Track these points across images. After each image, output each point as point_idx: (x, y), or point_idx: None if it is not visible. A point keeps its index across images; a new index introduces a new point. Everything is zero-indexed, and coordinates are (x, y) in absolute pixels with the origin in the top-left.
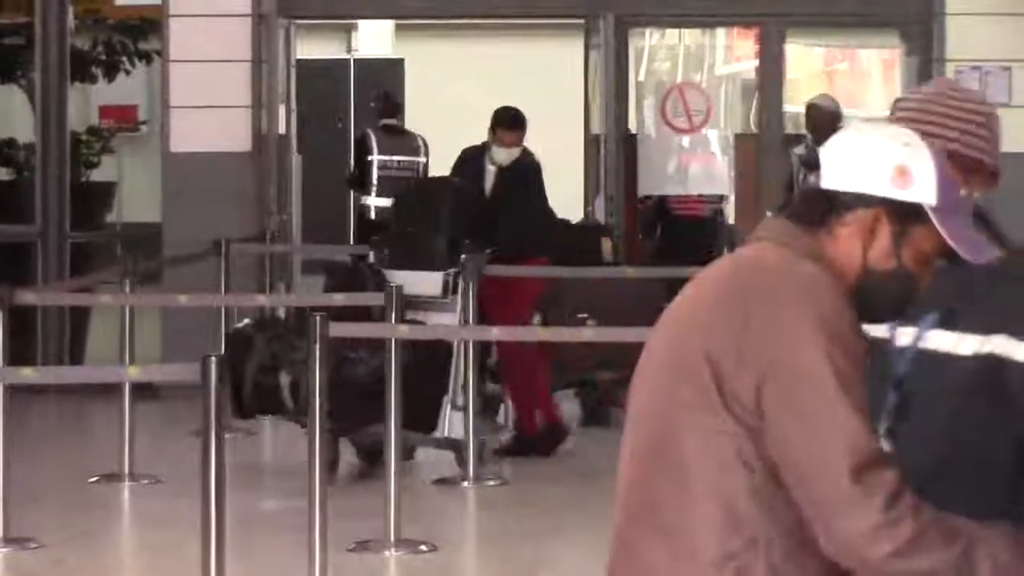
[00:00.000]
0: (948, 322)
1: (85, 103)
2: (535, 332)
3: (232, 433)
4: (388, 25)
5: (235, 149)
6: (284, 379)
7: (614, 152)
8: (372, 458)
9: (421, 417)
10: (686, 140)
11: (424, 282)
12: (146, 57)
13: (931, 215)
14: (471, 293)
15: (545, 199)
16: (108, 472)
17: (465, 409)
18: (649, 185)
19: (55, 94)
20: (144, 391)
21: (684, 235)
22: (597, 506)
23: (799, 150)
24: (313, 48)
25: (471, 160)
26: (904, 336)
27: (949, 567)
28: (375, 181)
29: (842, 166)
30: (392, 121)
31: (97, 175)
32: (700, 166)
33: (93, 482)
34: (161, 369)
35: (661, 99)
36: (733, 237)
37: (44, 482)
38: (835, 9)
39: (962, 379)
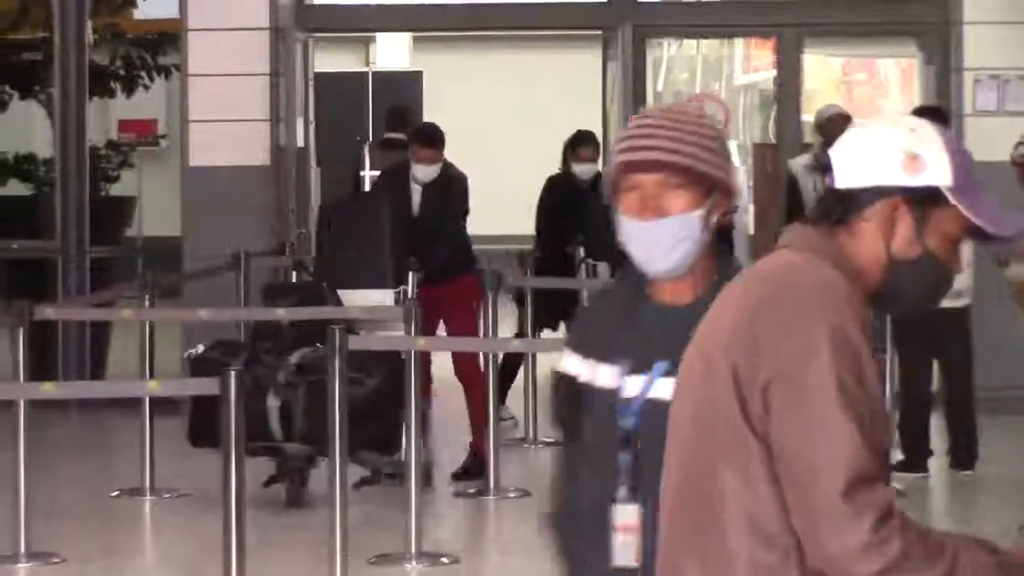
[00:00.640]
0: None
1: (104, 118)
2: (546, 344)
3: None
4: (406, 38)
5: (254, 163)
6: (272, 403)
7: None
8: (369, 481)
9: (387, 438)
10: None
11: (377, 300)
12: (165, 71)
13: (949, 196)
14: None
15: (461, 215)
16: (130, 486)
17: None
18: None
19: (74, 109)
20: (165, 405)
21: None
22: None
23: (802, 159)
24: (331, 61)
25: (397, 178)
26: (632, 386)
27: None
28: None
29: (852, 163)
30: (395, 135)
31: (116, 190)
32: None
33: (115, 496)
34: (182, 384)
35: None
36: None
37: (66, 497)
38: (853, 19)
39: None
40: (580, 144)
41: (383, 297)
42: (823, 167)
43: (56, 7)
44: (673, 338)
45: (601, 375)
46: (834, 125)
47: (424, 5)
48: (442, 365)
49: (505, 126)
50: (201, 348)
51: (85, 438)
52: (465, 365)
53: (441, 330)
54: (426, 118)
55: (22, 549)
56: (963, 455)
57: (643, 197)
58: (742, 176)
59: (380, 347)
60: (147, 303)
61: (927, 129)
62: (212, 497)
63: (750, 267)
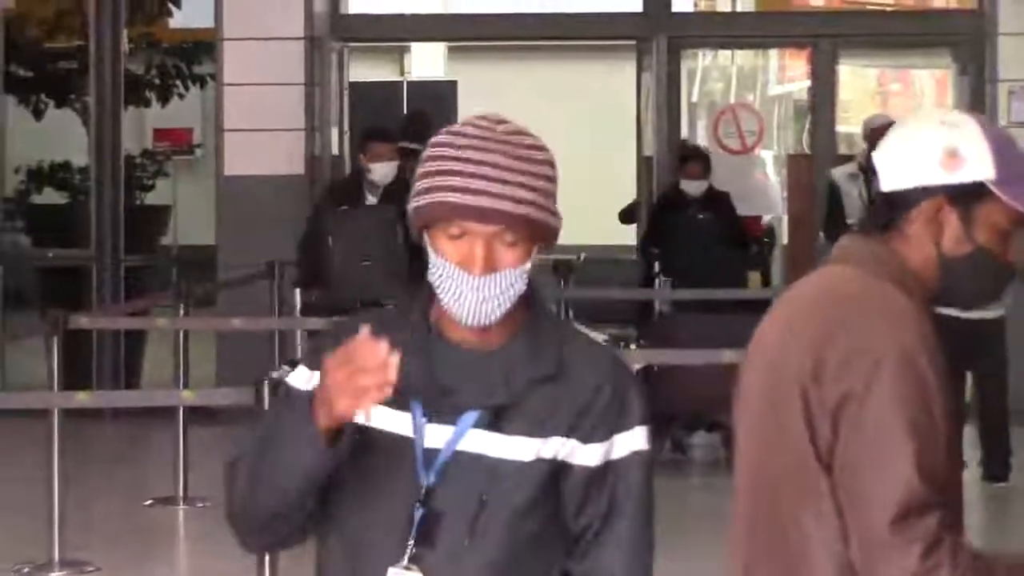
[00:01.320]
0: (495, 423)
1: (139, 127)
2: None
3: None
4: (441, 47)
5: (289, 172)
6: None
7: (667, 173)
8: None
9: None
10: (739, 161)
11: None
12: (200, 80)
13: (993, 189)
14: None
15: None
16: (163, 495)
17: None
18: None
19: (109, 118)
20: (199, 414)
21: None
22: None
23: (845, 169)
24: (366, 70)
25: (344, 190)
26: (433, 437)
27: None
28: None
29: (894, 165)
30: (411, 144)
31: (151, 198)
32: (753, 187)
33: (148, 505)
34: (216, 393)
35: (714, 120)
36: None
37: (100, 505)
38: (888, 29)
39: (520, 489)
40: (373, 138)
41: None
42: (869, 172)
43: (92, 16)
44: (482, 386)
45: (383, 417)
46: (882, 134)
47: (459, 15)
48: None
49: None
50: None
51: (119, 447)
52: None
53: None
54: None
55: (56, 557)
56: (997, 467)
57: (476, 249)
58: (776, 188)
59: None
60: (181, 312)
61: (965, 122)
62: None
63: (804, 285)
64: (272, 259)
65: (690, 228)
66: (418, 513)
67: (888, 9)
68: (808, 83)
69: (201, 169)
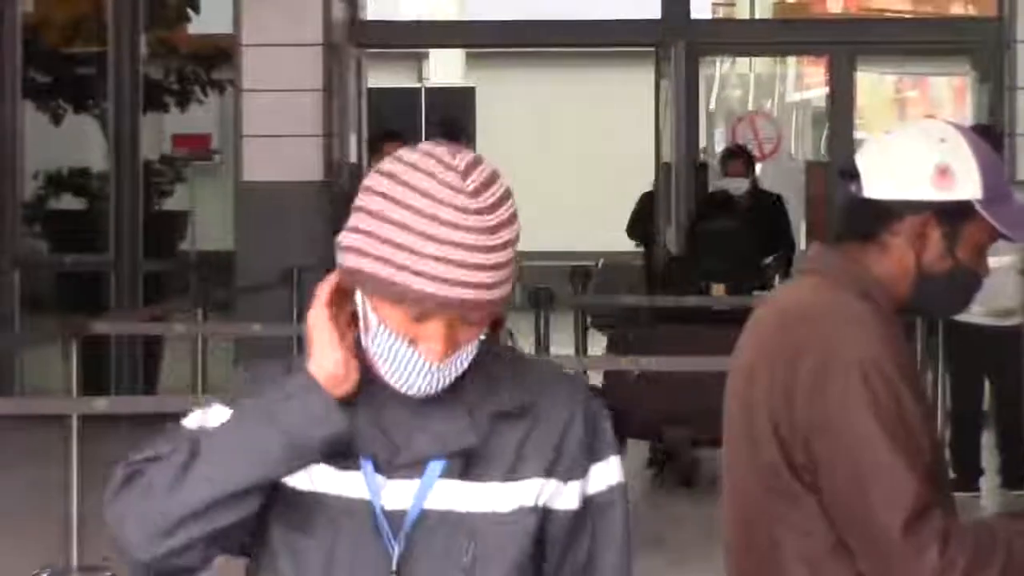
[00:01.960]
0: (466, 470)
1: (158, 132)
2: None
3: None
4: (459, 54)
5: (307, 178)
6: None
7: (685, 180)
8: None
9: None
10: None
11: None
12: (219, 86)
13: (980, 209)
14: None
15: None
16: None
17: None
18: None
19: (128, 123)
20: None
21: None
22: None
23: None
24: (385, 77)
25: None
26: (394, 496)
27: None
28: None
29: (881, 173)
30: None
31: (170, 204)
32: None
33: None
34: None
35: (732, 127)
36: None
37: None
38: (906, 37)
39: (507, 548)
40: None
41: None
42: (848, 175)
43: (111, 22)
44: (442, 428)
45: (329, 480)
46: None
47: (477, 22)
48: None
49: (557, 142)
50: None
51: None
52: None
53: None
54: (479, 133)
55: (74, 563)
56: (1014, 474)
57: (438, 332)
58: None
59: None
60: (200, 318)
61: (957, 138)
62: None
63: (774, 295)
64: (290, 265)
65: (723, 233)
66: None
67: (906, 17)
68: (826, 90)
69: (219, 175)
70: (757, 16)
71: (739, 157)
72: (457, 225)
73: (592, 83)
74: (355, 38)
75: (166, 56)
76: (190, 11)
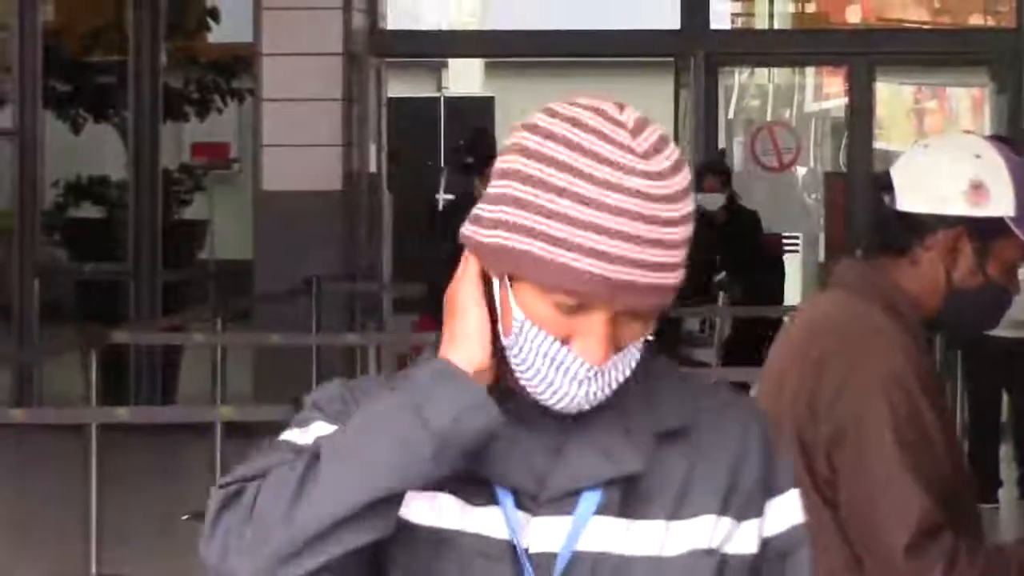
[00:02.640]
0: (625, 505)
1: (177, 141)
2: None
3: None
4: (478, 64)
5: (326, 187)
6: None
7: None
8: None
9: None
10: (776, 178)
11: None
12: (238, 95)
13: (1012, 226)
14: None
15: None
16: (200, 510)
17: None
18: None
19: (147, 132)
20: (235, 430)
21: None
22: None
23: None
24: (404, 86)
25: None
26: (540, 537)
27: None
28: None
29: (916, 187)
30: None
31: (189, 213)
32: (790, 205)
33: (185, 520)
34: (254, 409)
35: (751, 137)
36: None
37: (136, 520)
38: (924, 47)
39: None
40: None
41: None
42: (882, 186)
43: (131, 31)
44: (596, 452)
45: (461, 516)
46: None
47: (497, 31)
48: None
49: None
50: None
51: (156, 462)
52: None
53: None
54: (498, 144)
55: (93, 572)
56: None
57: (600, 329)
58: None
59: None
60: (219, 327)
61: (992, 154)
62: None
63: (805, 307)
64: (310, 274)
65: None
66: None
67: (925, 27)
68: (845, 101)
69: (239, 184)
70: (776, 26)
71: (715, 173)
72: (636, 192)
73: (611, 93)
74: (375, 48)
75: (186, 65)
76: (210, 20)
